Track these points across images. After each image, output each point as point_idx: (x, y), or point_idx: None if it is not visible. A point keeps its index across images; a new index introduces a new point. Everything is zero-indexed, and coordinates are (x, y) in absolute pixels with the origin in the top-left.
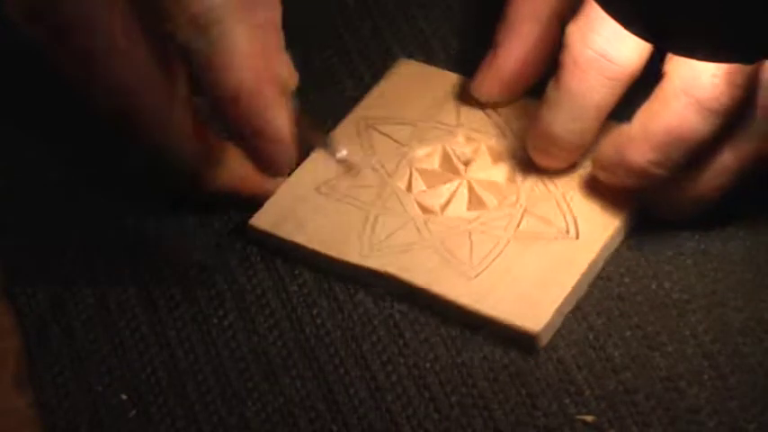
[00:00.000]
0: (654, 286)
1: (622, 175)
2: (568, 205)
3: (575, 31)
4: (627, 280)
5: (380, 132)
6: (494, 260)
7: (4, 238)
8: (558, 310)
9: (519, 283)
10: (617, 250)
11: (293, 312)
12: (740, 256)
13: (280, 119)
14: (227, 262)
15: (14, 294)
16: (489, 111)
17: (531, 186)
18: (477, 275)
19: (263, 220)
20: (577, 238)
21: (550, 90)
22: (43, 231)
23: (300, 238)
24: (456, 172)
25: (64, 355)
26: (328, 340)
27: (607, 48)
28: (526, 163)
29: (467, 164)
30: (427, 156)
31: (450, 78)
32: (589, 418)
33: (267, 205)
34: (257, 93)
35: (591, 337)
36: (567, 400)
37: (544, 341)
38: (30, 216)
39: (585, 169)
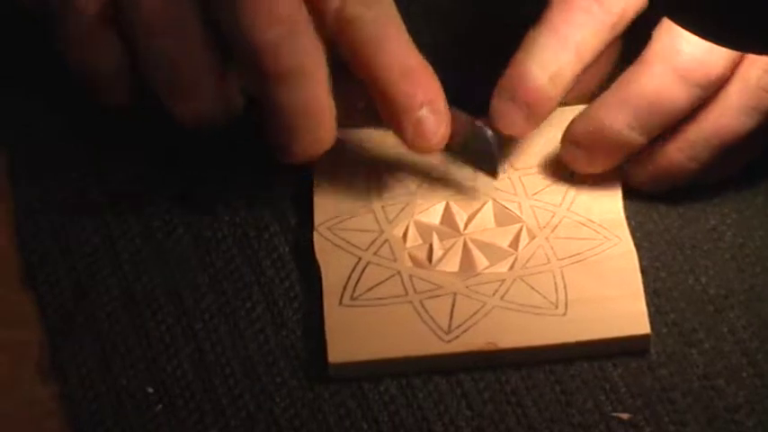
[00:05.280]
0: (690, 281)
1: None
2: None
3: (664, 34)
4: (663, 275)
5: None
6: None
7: (27, 229)
8: None
9: None
10: (652, 243)
11: (322, 306)
12: None
13: (442, 93)
14: (255, 253)
15: (37, 284)
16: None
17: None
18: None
19: None
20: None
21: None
22: (66, 220)
23: None
24: (455, 228)
25: (88, 347)
26: None
27: (695, 55)
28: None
29: (470, 220)
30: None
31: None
32: (625, 416)
33: None
34: (425, 66)
35: None
36: (603, 398)
37: None
38: (53, 206)
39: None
